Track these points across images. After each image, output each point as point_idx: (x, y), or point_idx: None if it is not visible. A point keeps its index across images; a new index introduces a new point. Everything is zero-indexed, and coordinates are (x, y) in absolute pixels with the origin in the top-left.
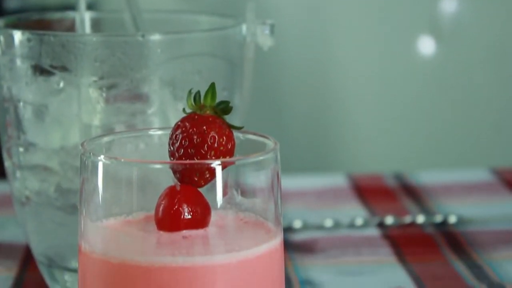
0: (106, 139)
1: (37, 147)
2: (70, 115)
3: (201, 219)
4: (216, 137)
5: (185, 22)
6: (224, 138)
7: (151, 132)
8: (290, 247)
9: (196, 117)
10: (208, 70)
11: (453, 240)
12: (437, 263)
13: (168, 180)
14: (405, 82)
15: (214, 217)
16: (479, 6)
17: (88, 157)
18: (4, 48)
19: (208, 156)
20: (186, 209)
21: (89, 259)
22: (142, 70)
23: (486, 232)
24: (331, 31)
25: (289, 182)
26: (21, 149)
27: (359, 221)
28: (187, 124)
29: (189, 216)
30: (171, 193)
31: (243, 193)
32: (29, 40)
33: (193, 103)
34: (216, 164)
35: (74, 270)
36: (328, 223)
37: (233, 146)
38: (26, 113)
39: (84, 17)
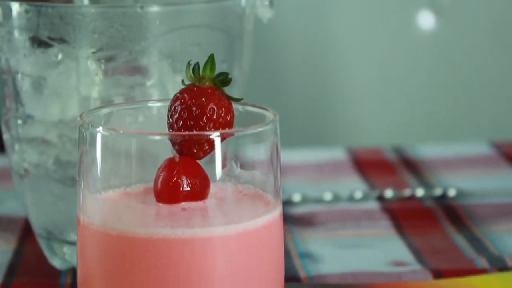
0: (104, 111)
1: (35, 120)
2: (69, 88)
3: (200, 191)
4: (215, 108)
5: None
6: (223, 109)
7: (150, 104)
8: (290, 221)
9: (195, 88)
10: (207, 42)
11: (453, 213)
12: (436, 236)
13: (167, 152)
14: (405, 56)
15: (213, 189)
16: None
17: (86, 128)
18: (2, 19)
19: (207, 128)
20: (185, 181)
21: (88, 231)
22: (141, 42)
23: (485, 205)
24: (330, 4)
25: (289, 156)
26: (19, 122)
27: (358, 194)
28: (186, 95)
29: (188, 188)
30: (170, 165)
31: (242, 166)
32: (27, 11)
33: (192, 75)
34: (215, 136)
35: (73, 243)
36: (328, 196)
37: (232, 118)
38: (24, 85)
39: None
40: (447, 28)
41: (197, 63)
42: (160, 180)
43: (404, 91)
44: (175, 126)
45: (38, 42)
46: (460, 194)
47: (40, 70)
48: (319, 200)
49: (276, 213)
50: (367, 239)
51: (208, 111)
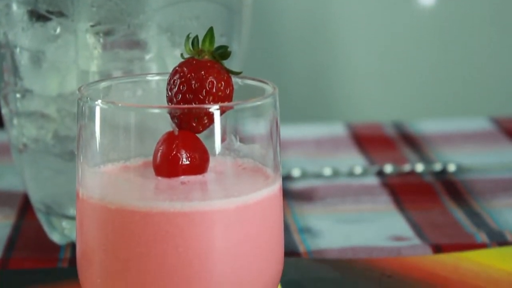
0: (103, 84)
1: (34, 94)
2: (67, 61)
3: (199, 165)
4: (215, 82)
5: None
6: (223, 83)
7: (149, 77)
8: (289, 196)
9: (194, 62)
10: (206, 16)
11: (452, 188)
12: (436, 211)
13: (166, 125)
14: (405, 32)
15: (212, 163)
16: None
17: (85, 102)
18: None
19: (207, 101)
20: (184, 154)
21: (87, 205)
22: (140, 16)
23: (485, 180)
24: None
25: (288, 131)
26: (18, 96)
27: (358, 170)
28: (185, 69)
29: (187, 162)
30: (169, 138)
31: (242, 139)
32: None
33: (191, 48)
34: (214, 109)
35: (72, 218)
36: (327, 171)
37: (231, 91)
38: (23, 59)
39: None
40: (448, 4)
41: (196, 36)
42: (159, 154)
43: (404, 67)
44: (174, 100)
45: (37, 16)
46: (460, 169)
47: (38, 44)
48: (319, 176)
49: (275, 187)
50: (366, 214)
51: (207, 85)
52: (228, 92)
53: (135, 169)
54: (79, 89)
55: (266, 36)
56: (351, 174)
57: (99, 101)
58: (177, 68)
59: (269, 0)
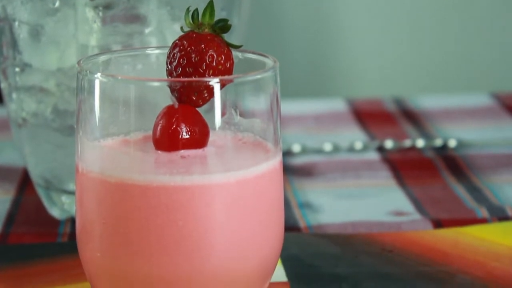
0: (103, 58)
1: (33, 68)
2: (67, 36)
3: (199, 139)
4: (215, 55)
5: None
6: (223, 56)
7: (149, 51)
8: (289, 171)
9: (194, 35)
10: None
11: (453, 163)
12: (436, 186)
13: (166, 99)
14: (405, 6)
15: (212, 137)
16: None
17: (84, 75)
18: None
19: (207, 75)
20: (184, 128)
21: (87, 179)
22: None
23: (485, 156)
24: None
25: (288, 107)
26: (17, 70)
27: (358, 145)
28: (185, 42)
29: (187, 136)
30: (169, 112)
31: (242, 114)
32: None
33: (191, 21)
34: (214, 82)
35: (72, 192)
36: (327, 147)
37: (231, 65)
38: (22, 33)
39: None
40: None
41: (196, 10)
42: (159, 127)
43: (405, 42)
44: (174, 73)
45: None
46: (461, 144)
47: (37, 18)
48: (319, 151)
49: (275, 161)
50: (367, 189)
51: (207, 58)
52: (228, 66)
53: (135, 143)
54: (78, 63)
55: (267, 11)
56: (351, 149)
57: (99, 74)
58: (177, 41)
59: None
